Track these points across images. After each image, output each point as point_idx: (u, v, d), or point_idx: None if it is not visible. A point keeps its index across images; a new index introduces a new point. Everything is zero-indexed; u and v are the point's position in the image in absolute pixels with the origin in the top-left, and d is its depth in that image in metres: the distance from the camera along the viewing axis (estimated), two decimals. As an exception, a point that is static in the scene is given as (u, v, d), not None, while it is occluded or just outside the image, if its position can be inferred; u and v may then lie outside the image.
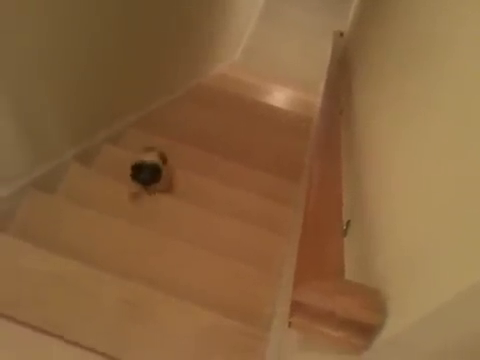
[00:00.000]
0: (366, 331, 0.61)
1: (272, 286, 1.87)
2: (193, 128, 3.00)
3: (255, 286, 1.87)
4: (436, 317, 0.50)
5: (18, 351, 1.40)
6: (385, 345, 0.59)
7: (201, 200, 2.27)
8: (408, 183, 0.76)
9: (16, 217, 1.85)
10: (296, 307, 0.63)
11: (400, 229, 0.72)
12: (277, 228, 2.23)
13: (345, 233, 0.99)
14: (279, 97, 4.38)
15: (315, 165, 1.07)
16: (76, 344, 1.43)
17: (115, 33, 2.22)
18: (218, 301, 1.75)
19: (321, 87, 2.86)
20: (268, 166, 2.78)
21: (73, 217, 1.94)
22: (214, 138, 2.95)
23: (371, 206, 0.92)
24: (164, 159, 2.22)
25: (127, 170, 2.13)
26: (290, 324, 0.65)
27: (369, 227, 0.88)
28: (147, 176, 2.07)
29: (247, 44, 5.08)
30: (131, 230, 1.94)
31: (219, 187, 2.43)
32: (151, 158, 2.11)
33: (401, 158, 0.85)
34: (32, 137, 1.85)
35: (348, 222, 1.02)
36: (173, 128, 2.93)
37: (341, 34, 3.57)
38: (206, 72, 4.09)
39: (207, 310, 1.65)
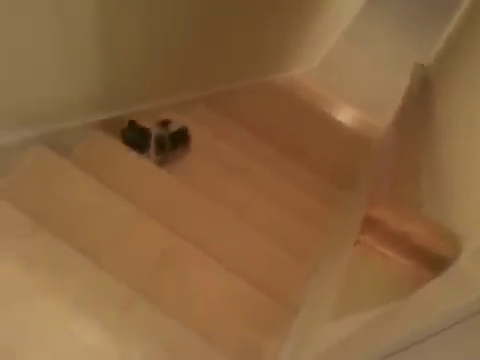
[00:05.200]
0: (436, 263, 0.60)
1: (305, 277, 1.86)
2: (257, 118, 3.03)
3: (289, 273, 1.86)
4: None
5: (52, 264, 1.43)
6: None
7: (251, 181, 2.28)
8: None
9: (73, 152, 1.89)
10: (370, 224, 0.63)
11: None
12: (321, 227, 2.22)
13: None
14: (345, 113, 4.40)
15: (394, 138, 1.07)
16: (111, 273, 1.45)
17: (217, 8, 2.29)
18: (251, 275, 1.74)
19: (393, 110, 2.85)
20: (322, 171, 2.78)
21: (129, 163, 1.98)
22: (275, 133, 2.97)
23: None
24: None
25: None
26: (358, 242, 0.64)
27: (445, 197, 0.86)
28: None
29: (325, 58, 5.12)
30: (183, 189, 1.96)
31: (270, 176, 2.44)
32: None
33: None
34: (112, 79, 1.91)
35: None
36: (237, 113, 2.97)
37: (422, 66, 3.57)
38: (282, 72, 4.13)
39: (241, 280, 1.65)
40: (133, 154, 1.99)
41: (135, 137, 2.06)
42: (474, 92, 1.20)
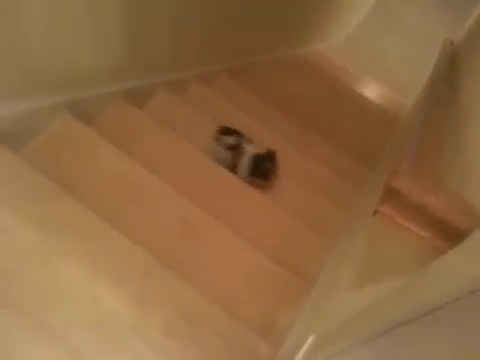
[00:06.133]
0: (454, 234, 0.60)
1: (323, 252, 1.86)
2: (280, 91, 3.02)
3: (308, 247, 1.87)
4: None
5: (75, 229, 1.46)
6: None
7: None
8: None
9: (97, 120, 1.89)
10: (390, 195, 0.62)
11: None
12: (340, 203, 2.21)
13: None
14: (371, 89, 4.36)
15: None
16: (133, 241, 1.47)
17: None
18: (270, 248, 1.75)
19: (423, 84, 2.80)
20: (345, 148, 2.77)
21: (151, 133, 1.99)
22: (297, 106, 2.95)
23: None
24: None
25: (211, 108, 2.18)
26: (377, 212, 0.64)
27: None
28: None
29: (352, 33, 5.05)
30: (205, 162, 1.97)
31: (291, 150, 2.43)
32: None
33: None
34: (138, 48, 1.91)
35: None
36: (260, 86, 2.96)
37: (452, 42, 3.51)
38: (307, 46, 4.09)
39: (264, 254, 1.67)
40: (154, 124, 2.00)
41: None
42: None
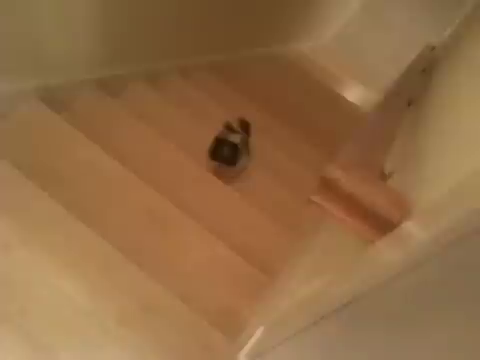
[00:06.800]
0: (382, 226, 0.60)
1: (291, 248, 1.86)
2: (259, 89, 3.00)
3: (276, 243, 1.86)
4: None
5: (37, 217, 1.44)
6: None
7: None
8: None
9: (67, 108, 1.86)
10: (323, 184, 0.63)
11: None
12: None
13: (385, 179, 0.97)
14: (354, 92, 4.36)
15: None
16: (95, 230, 1.46)
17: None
18: (237, 243, 1.74)
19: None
20: (322, 146, 2.76)
21: (125, 125, 1.97)
22: (278, 104, 2.94)
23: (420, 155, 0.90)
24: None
25: (187, 101, 2.16)
26: (310, 201, 0.64)
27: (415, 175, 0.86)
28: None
29: (338, 33, 5.04)
30: (177, 155, 1.96)
31: (267, 146, 2.42)
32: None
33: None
34: (113, 36, 1.90)
35: (390, 173, 1.01)
36: (242, 82, 2.94)
37: (433, 48, 3.52)
38: (292, 44, 4.08)
39: (229, 248, 1.66)
40: (128, 116, 1.98)
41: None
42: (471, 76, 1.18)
